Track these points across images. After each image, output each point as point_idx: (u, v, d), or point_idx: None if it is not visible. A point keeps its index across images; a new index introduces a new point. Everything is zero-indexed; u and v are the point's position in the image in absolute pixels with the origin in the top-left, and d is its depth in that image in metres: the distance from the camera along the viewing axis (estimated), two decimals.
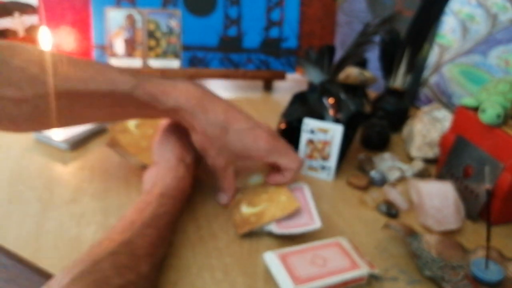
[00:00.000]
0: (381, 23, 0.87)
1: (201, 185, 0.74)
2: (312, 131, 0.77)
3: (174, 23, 1.07)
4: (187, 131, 0.67)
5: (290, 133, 0.81)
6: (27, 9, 1.04)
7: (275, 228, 0.62)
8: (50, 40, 0.97)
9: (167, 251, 0.57)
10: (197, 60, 1.09)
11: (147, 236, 0.50)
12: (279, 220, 0.64)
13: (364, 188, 0.76)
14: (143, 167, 0.71)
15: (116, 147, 0.73)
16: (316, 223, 0.63)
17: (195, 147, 0.67)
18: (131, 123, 0.77)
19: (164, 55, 1.08)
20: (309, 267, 0.55)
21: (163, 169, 0.63)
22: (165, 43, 1.07)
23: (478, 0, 0.93)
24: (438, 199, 0.68)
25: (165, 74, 1.08)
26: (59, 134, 0.82)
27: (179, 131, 0.69)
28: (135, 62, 1.07)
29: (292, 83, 1.17)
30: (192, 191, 0.67)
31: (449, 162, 0.76)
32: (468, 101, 0.73)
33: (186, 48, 1.08)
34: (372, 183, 0.78)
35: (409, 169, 0.81)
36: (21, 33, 1.04)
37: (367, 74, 1.00)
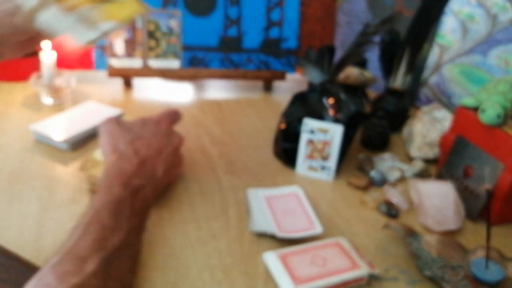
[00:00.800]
0: (381, 23, 0.87)
1: (201, 185, 0.74)
2: (312, 131, 0.77)
3: (174, 23, 1.07)
4: (118, 123, 0.68)
5: (290, 133, 0.81)
6: None
7: (277, 232, 0.62)
8: (49, 41, 0.97)
9: (126, 237, 0.53)
10: (197, 61, 1.09)
11: (89, 234, 0.50)
12: (281, 225, 0.64)
13: (364, 188, 0.76)
14: None
15: (96, 185, 0.69)
16: (317, 228, 0.63)
17: (131, 132, 0.67)
18: (98, 154, 0.73)
19: (164, 55, 1.08)
20: (309, 267, 0.55)
21: (107, 175, 0.64)
22: (165, 43, 1.07)
23: (478, 0, 0.93)
24: (438, 199, 0.68)
25: (165, 74, 1.08)
26: (59, 134, 0.82)
27: (112, 126, 0.68)
28: (135, 63, 1.07)
29: (292, 83, 1.17)
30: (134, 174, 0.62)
31: (449, 162, 0.76)
32: (468, 101, 0.73)
33: (186, 48, 1.08)
34: (372, 183, 0.78)
35: (409, 169, 0.81)
36: None
37: (367, 74, 1.00)
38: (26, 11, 0.56)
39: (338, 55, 0.89)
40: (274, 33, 1.10)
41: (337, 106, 0.79)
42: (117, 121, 0.69)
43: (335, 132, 0.75)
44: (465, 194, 0.71)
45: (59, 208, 0.67)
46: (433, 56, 1.03)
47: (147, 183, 0.61)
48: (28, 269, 0.56)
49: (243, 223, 0.66)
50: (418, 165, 0.81)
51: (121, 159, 0.62)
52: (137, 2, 0.61)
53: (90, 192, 0.70)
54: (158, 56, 1.08)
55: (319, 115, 0.79)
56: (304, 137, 0.77)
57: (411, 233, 0.62)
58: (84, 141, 0.84)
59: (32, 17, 0.57)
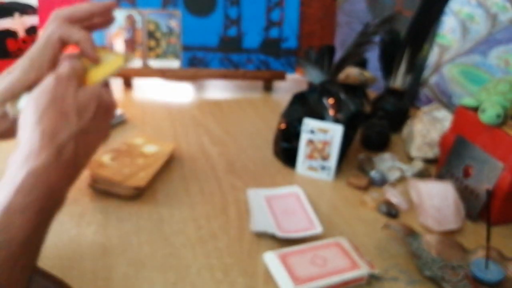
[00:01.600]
0: (381, 23, 0.87)
1: (201, 185, 0.74)
2: (312, 131, 0.77)
3: (174, 24, 1.07)
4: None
5: (290, 133, 0.81)
6: (27, 9, 1.04)
7: (277, 232, 0.62)
8: None
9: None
10: (197, 60, 1.09)
11: None
12: (281, 225, 0.64)
13: (364, 188, 0.76)
14: (136, 189, 0.69)
15: (98, 183, 0.70)
16: (317, 228, 0.63)
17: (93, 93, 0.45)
18: (106, 157, 0.73)
19: (164, 55, 1.08)
20: (309, 267, 0.55)
21: (14, 161, 0.41)
22: (165, 43, 1.07)
23: (478, 0, 0.93)
24: (438, 199, 0.68)
25: (165, 74, 1.08)
26: None
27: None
28: (135, 63, 1.07)
29: (292, 83, 1.17)
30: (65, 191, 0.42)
31: (449, 162, 0.76)
32: (468, 101, 0.73)
33: (186, 48, 1.08)
34: (372, 183, 0.77)
35: (409, 169, 0.81)
36: (21, 33, 1.04)
37: (367, 74, 1.00)
38: (15, 114, 0.49)
39: (338, 55, 0.89)
40: (274, 33, 1.10)
41: (337, 106, 0.79)
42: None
43: (335, 132, 0.75)
44: (465, 194, 0.71)
45: None
46: (433, 56, 1.03)
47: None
48: None
49: (243, 223, 0.66)
50: (418, 165, 0.81)
51: (59, 157, 0.40)
52: (121, 58, 0.53)
53: (91, 188, 0.71)
54: (158, 56, 1.08)
55: (319, 115, 0.79)
56: (304, 137, 0.77)
57: (411, 233, 0.62)
58: None
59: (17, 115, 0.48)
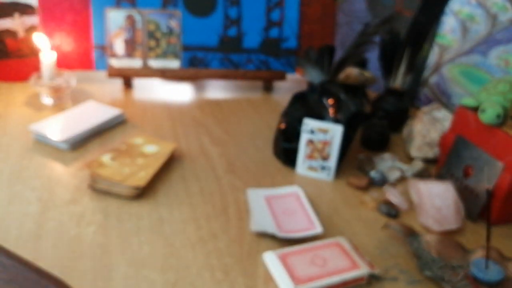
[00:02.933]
0: (381, 23, 0.87)
1: (201, 185, 0.74)
2: (312, 131, 0.77)
3: (174, 24, 1.07)
4: None
5: (290, 133, 0.81)
6: (27, 9, 1.04)
7: (277, 232, 0.62)
8: (48, 42, 0.97)
9: None
10: (197, 61, 1.09)
11: None
12: (281, 225, 0.64)
13: (364, 188, 0.76)
14: (136, 189, 0.69)
15: (98, 182, 0.70)
16: (317, 228, 0.63)
17: None
18: (106, 158, 0.74)
19: (164, 55, 1.08)
20: (309, 267, 0.55)
21: None
22: (165, 43, 1.07)
23: (478, 0, 0.93)
24: (438, 199, 0.68)
25: (165, 74, 1.08)
26: (59, 134, 0.82)
27: None
28: (135, 63, 1.07)
29: (292, 83, 1.17)
30: None
31: (449, 162, 0.76)
32: (468, 101, 0.73)
33: (186, 48, 1.08)
34: (372, 183, 0.77)
35: (409, 169, 0.81)
36: (21, 33, 1.04)
37: (367, 74, 1.00)
38: None
39: (338, 55, 0.89)
40: (274, 33, 1.10)
41: (337, 106, 0.79)
42: None
43: (335, 132, 0.75)
44: (465, 194, 0.71)
45: (59, 208, 0.67)
46: (433, 56, 1.03)
47: None
48: (28, 269, 0.56)
49: (243, 223, 0.66)
50: (418, 165, 0.81)
51: None
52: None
53: (90, 188, 0.70)
54: (158, 56, 1.08)
55: (319, 115, 0.79)
56: (304, 137, 0.77)
57: (411, 233, 0.62)
58: (84, 141, 0.84)
59: None
